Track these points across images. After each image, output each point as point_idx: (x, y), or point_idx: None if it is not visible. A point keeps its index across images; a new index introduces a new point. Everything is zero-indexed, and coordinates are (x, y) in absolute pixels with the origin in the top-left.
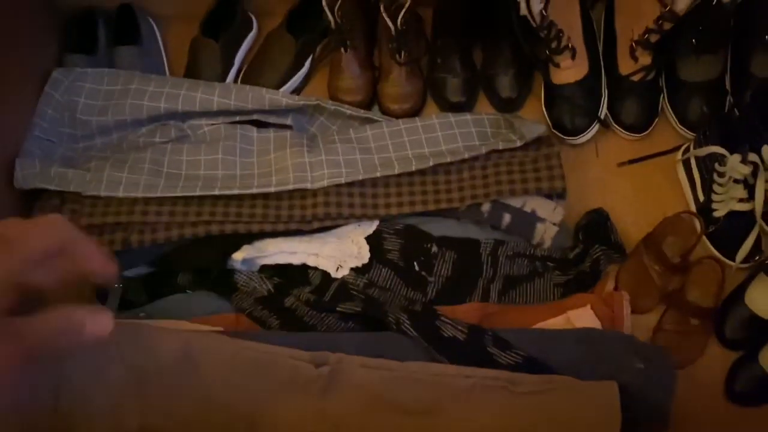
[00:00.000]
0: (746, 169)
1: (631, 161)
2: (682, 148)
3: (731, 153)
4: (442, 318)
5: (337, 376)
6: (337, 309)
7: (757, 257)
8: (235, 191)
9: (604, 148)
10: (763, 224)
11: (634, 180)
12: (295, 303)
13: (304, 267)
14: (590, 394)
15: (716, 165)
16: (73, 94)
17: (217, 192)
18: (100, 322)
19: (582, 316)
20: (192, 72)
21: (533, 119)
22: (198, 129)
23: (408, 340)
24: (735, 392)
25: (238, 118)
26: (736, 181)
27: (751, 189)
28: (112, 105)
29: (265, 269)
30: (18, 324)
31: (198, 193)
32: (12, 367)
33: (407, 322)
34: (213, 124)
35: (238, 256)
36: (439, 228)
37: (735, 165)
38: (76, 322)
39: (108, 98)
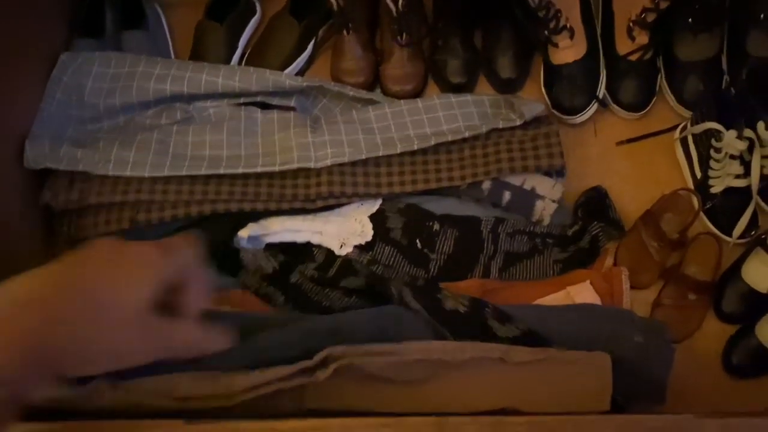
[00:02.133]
0: (742, 145)
1: (630, 140)
2: (680, 126)
3: (727, 129)
4: (444, 292)
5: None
6: (341, 285)
7: (754, 232)
8: (240, 170)
9: (603, 127)
10: (759, 200)
11: (633, 158)
12: (300, 279)
13: (308, 245)
14: (583, 365)
15: (713, 141)
16: (80, 77)
17: (222, 171)
18: (222, 342)
19: (582, 292)
20: (197, 55)
21: (533, 99)
22: (203, 111)
23: (410, 316)
24: (732, 365)
25: (242, 100)
26: (732, 157)
27: (747, 165)
28: (119, 88)
29: (270, 247)
30: (168, 326)
31: (203, 172)
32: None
33: (410, 294)
34: (218, 106)
35: (243, 233)
36: (440, 206)
37: (731, 141)
38: (207, 339)
39: (115, 81)
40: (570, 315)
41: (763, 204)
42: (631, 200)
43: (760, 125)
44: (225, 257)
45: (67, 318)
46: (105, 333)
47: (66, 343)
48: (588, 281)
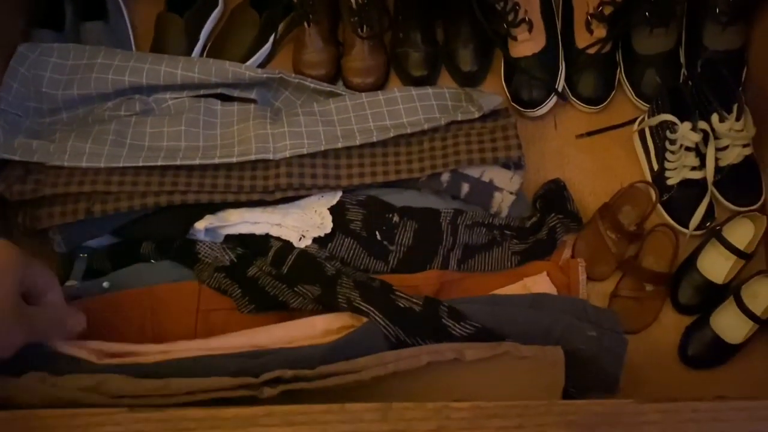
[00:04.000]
0: (696, 137)
1: (589, 133)
2: (638, 120)
3: (682, 122)
4: (397, 292)
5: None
6: (295, 290)
7: (709, 224)
8: (197, 161)
9: (563, 120)
10: (715, 191)
11: (592, 152)
12: (257, 272)
13: (267, 237)
14: (535, 359)
15: (668, 133)
16: (38, 68)
17: (178, 162)
18: (79, 320)
19: (538, 283)
20: (158, 47)
21: (493, 92)
22: (162, 102)
23: (365, 340)
24: (688, 356)
25: (202, 92)
26: (687, 149)
27: (702, 157)
28: (77, 79)
29: (228, 239)
30: (31, 311)
31: (160, 163)
32: (15, 345)
33: (358, 298)
34: (177, 98)
35: (200, 225)
36: (400, 198)
37: (686, 133)
38: (64, 318)
39: (74, 72)
40: (523, 305)
41: (718, 195)
42: (589, 193)
43: (714, 117)
44: (181, 249)
45: None
46: None
47: None
48: (545, 273)
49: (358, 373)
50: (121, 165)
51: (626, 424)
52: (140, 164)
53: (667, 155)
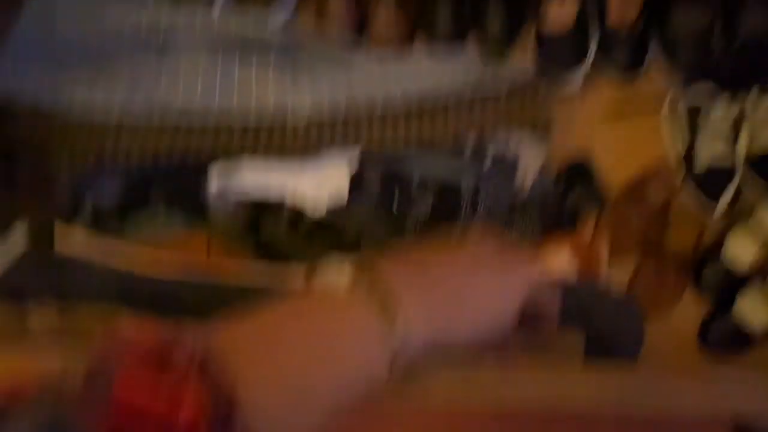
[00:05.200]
0: (729, 118)
1: (618, 109)
2: (668, 99)
3: (716, 101)
4: None
5: None
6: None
7: (738, 206)
8: (213, 120)
9: (592, 95)
10: (745, 173)
11: (619, 129)
12: (270, 233)
13: (280, 203)
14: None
15: (700, 111)
16: (51, 6)
17: (194, 120)
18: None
19: (560, 261)
20: None
21: (522, 65)
22: (179, 53)
23: None
24: (708, 342)
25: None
26: (719, 128)
27: (734, 137)
28: (91, 19)
29: (241, 205)
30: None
31: (174, 120)
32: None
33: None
34: (194, 50)
35: (212, 184)
36: (420, 168)
37: (719, 111)
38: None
39: (87, 14)
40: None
41: (749, 177)
42: (614, 171)
43: (748, 98)
44: (192, 209)
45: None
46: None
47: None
48: (566, 251)
49: None
50: (133, 116)
51: (653, 396)
52: (154, 119)
53: (698, 134)
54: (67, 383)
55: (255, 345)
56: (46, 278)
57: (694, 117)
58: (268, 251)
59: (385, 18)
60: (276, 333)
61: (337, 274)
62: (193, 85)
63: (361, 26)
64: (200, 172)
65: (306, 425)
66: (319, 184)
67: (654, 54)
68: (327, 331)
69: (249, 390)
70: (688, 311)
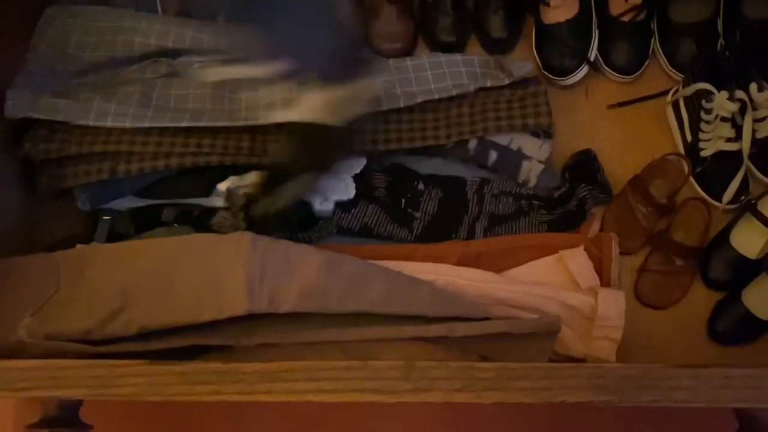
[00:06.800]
0: (733, 107)
1: (621, 104)
2: (672, 90)
3: (719, 91)
4: None
5: None
6: None
7: (744, 198)
8: (222, 123)
9: (594, 90)
10: (750, 164)
11: (623, 122)
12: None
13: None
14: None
15: (703, 103)
16: (65, 30)
17: (203, 123)
18: None
19: (575, 257)
20: (185, 12)
21: (523, 59)
22: (188, 66)
23: None
24: (717, 332)
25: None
26: (723, 119)
27: (738, 129)
28: (104, 41)
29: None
30: None
31: (184, 124)
32: None
33: None
34: (203, 61)
35: (222, 186)
36: (426, 166)
37: (722, 102)
38: None
39: (100, 35)
40: None
41: (754, 169)
42: (620, 164)
43: (753, 87)
44: (200, 217)
45: None
46: None
47: None
48: (582, 246)
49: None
50: (146, 125)
51: (656, 388)
52: (165, 125)
53: (702, 126)
54: None
55: None
56: None
57: (697, 109)
58: None
59: (387, 23)
60: None
61: None
62: (204, 90)
63: (365, 31)
64: (210, 174)
65: None
66: (326, 184)
67: (656, 45)
68: None
69: None
70: (697, 302)
